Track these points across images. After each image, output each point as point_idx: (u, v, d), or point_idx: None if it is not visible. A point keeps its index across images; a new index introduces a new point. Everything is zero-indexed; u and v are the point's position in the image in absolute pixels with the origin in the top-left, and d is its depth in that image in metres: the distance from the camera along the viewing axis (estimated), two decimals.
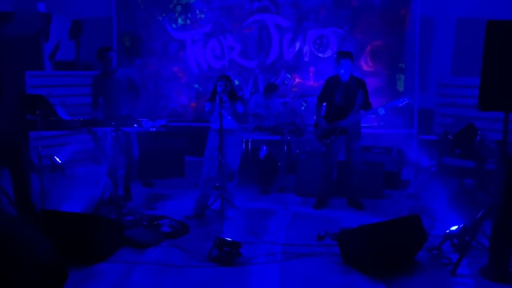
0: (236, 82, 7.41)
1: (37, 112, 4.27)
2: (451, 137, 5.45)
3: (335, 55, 5.08)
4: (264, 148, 5.87)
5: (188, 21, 7.42)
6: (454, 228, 3.83)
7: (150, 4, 7.43)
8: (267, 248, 3.87)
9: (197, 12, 7.39)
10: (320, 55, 7.25)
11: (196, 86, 7.56)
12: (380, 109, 4.68)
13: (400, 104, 4.65)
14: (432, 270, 3.50)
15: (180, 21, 7.44)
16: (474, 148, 5.31)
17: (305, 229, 4.35)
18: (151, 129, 4.46)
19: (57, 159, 6.33)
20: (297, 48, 7.29)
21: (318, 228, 4.27)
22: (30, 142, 5.51)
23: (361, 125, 5.06)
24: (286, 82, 7.37)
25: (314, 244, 3.97)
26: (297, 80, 7.35)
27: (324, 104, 5.04)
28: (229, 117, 4.46)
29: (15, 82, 5.40)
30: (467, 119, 5.70)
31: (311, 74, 7.30)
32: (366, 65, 7.14)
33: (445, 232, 3.87)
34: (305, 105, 7.25)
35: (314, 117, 5.14)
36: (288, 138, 5.88)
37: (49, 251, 1.10)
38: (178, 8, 7.41)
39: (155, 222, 4.24)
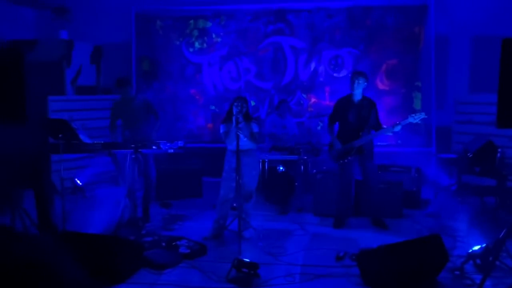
0: (253, 103, 7.49)
1: (60, 135, 4.38)
2: (471, 155, 5.37)
3: (350, 75, 5.13)
4: (281, 168, 5.88)
5: (205, 45, 7.59)
6: (476, 248, 3.74)
7: (168, 29, 7.65)
8: (285, 269, 3.84)
9: (214, 36, 7.56)
10: (335, 75, 7.30)
11: (213, 107, 7.67)
12: (396, 127, 4.71)
13: (414, 121, 4.66)
14: None
15: (197, 45, 7.61)
16: (494, 166, 5.21)
17: (324, 249, 4.31)
18: (169, 150, 4.53)
19: (78, 182, 6.44)
20: (312, 69, 7.36)
21: (337, 248, 4.23)
22: (52, 165, 5.65)
23: (379, 144, 5.06)
24: (302, 102, 7.42)
25: (333, 265, 3.93)
26: (312, 100, 7.40)
27: (337, 124, 5.08)
28: (245, 138, 4.48)
29: (39, 107, 5.59)
30: (486, 137, 5.62)
31: (326, 93, 7.34)
32: (381, 84, 7.15)
33: (467, 252, 3.79)
34: (321, 124, 7.27)
35: (330, 136, 5.17)
36: (305, 157, 5.88)
37: (78, 275, 1.13)
38: (195, 33, 7.59)
39: (174, 243, 4.26)
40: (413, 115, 4.72)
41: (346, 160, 4.92)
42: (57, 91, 6.82)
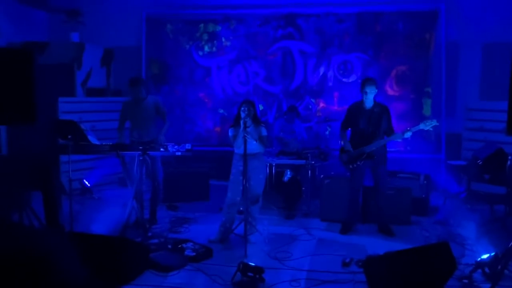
0: (261, 107, 7.50)
1: (69, 136, 4.42)
2: (481, 162, 5.31)
3: (359, 81, 5.11)
4: (288, 172, 5.87)
5: (214, 49, 7.63)
6: (485, 256, 3.69)
7: (178, 33, 7.69)
8: (290, 274, 3.82)
9: (223, 40, 7.59)
10: (344, 80, 7.29)
11: (221, 111, 7.68)
12: (406, 133, 4.66)
13: (425, 128, 4.61)
14: None
15: (206, 48, 7.65)
16: (504, 174, 5.15)
17: (330, 255, 4.28)
18: (176, 153, 4.54)
19: (86, 183, 6.49)
20: (321, 73, 7.35)
21: (344, 254, 4.20)
22: (61, 165, 5.69)
23: (388, 150, 5.02)
24: (311, 106, 7.41)
25: (339, 271, 3.90)
26: (321, 104, 7.38)
27: (349, 130, 5.05)
28: (254, 142, 4.49)
29: (49, 108, 5.64)
30: (496, 144, 5.55)
31: (335, 98, 7.32)
32: (391, 90, 7.12)
33: (476, 261, 3.74)
34: (329, 129, 7.25)
35: (340, 142, 5.14)
36: (313, 162, 5.86)
37: (83, 275, 1.14)
38: (205, 36, 7.63)
39: (179, 246, 4.27)
40: (425, 122, 4.66)
41: (355, 165, 4.90)
42: (67, 92, 6.89)
